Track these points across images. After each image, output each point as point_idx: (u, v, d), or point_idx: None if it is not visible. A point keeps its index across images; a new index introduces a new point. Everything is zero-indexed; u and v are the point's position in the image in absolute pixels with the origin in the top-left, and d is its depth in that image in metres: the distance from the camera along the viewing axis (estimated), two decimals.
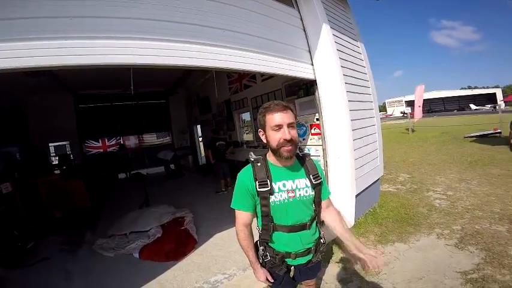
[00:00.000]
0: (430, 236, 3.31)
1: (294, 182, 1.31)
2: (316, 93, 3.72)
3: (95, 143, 10.47)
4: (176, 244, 3.35)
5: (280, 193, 1.28)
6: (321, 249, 1.44)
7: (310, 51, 3.68)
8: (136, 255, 3.28)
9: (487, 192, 4.60)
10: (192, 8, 2.40)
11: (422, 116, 17.99)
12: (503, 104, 32.91)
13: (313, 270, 1.51)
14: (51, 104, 8.54)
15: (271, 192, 1.27)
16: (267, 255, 1.37)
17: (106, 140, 10.64)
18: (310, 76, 3.65)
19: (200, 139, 10.77)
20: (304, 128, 4.16)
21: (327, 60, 3.54)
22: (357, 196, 3.60)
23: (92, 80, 7.96)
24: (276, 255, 1.36)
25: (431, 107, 49.12)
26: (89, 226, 4.46)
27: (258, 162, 1.33)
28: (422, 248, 3.05)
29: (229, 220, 4.04)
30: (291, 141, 1.21)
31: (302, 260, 1.40)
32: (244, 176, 1.33)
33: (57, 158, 8.42)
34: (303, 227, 1.34)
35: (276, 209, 1.29)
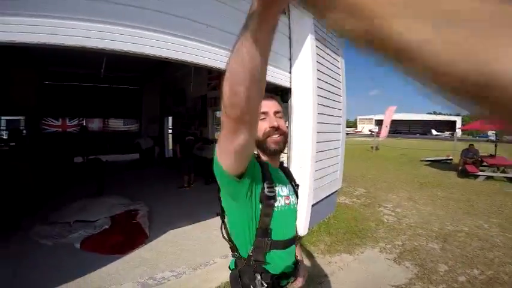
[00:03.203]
0: (374, 249, 3.53)
1: (286, 187, 1.09)
2: (290, 102, 3.79)
3: (54, 121, 9.70)
4: (124, 237, 3.20)
5: (279, 199, 1.01)
6: (298, 265, 1.18)
7: (290, 59, 3.74)
8: (78, 245, 3.06)
9: (429, 211, 5.04)
10: None
11: (387, 136, 19.13)
12: (460, 132, 35.96)
13: None
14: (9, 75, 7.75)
15: (274, 197, 0.99)
16: (262, 283, 1.00)
17: (67, 120, 9.92)
18: (286, 84, 3.70)
19: (170, 131, 10.44)
20: None
21: (304, 70, 3.63)
22: (313, 206, 3.73)
23: (64, 57, 7.42)
24: (272, 277, 1.02)
25: (397, 128, 52.49)
26: (28, 211, 4.06)
27: (258, 157, 1.03)
28: (365, 260, 3.25)
29: (187, 217, 4.01)
30: (278, 129, 1.02)
31: (288, 279, 1.12)
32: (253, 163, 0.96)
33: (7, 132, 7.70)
34: (293, 241, 1.10)
35: (275, 219, 1.00)
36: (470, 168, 8.62)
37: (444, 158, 11.69)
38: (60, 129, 9.77)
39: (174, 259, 3.00)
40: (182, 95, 8.96)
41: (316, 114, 3.61)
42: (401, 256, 3.32)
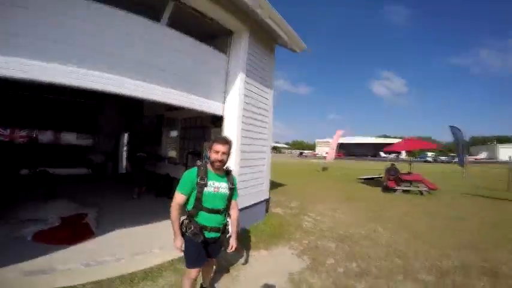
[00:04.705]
0: (285, 246, 4.35)
1: (219, 183, 2.22)
2: (222, 127, 4.63)
3: (2, 130, 9.41)
4: (72, 232, 3.60)
5: (210, 187, 2.16)
6: (225, 231, 2.33)
7: (225, 92, 4.61)
8: (29, 238, 3.38)
9: (343, 219, 6.11)
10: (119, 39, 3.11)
11: (343, 158, 21.10)
12: (404, 154, 39.85)
13: (218, 249, 2.42)
14: None
15: (205, 185, 2.14)
16: (191, 227, 2.14)
17: (16, 130, 9.68)
18: (220, 113, 4.57)
19: (125, 148, 10.63)
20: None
21: (233, 101, 4.51)
22: (240, 210, 4.50)
23: None
24: (198, 225, 2.15)
25: (353, 150, 56.60)
26: None
27: (202, 167, 2.20)
28: (276, 255, 4.02)
29: (132, 221, 4.50)
30: (221, 161, 2.18)
31: (214, 235, 2.22)
32: (192, 172, 2.19)
33: None
34: (217, 212, 2.21)
35: (205, 196, 2.14)
36: (390, 184, 10.26)
37: (377, 176, 13.47)
38: (7, 139, 9.46)
39: (116, 249, 3.45)
40: (139, 113, 9.42)
41: (241, 138, 4.51)
42: (303, 252, 4.14)
